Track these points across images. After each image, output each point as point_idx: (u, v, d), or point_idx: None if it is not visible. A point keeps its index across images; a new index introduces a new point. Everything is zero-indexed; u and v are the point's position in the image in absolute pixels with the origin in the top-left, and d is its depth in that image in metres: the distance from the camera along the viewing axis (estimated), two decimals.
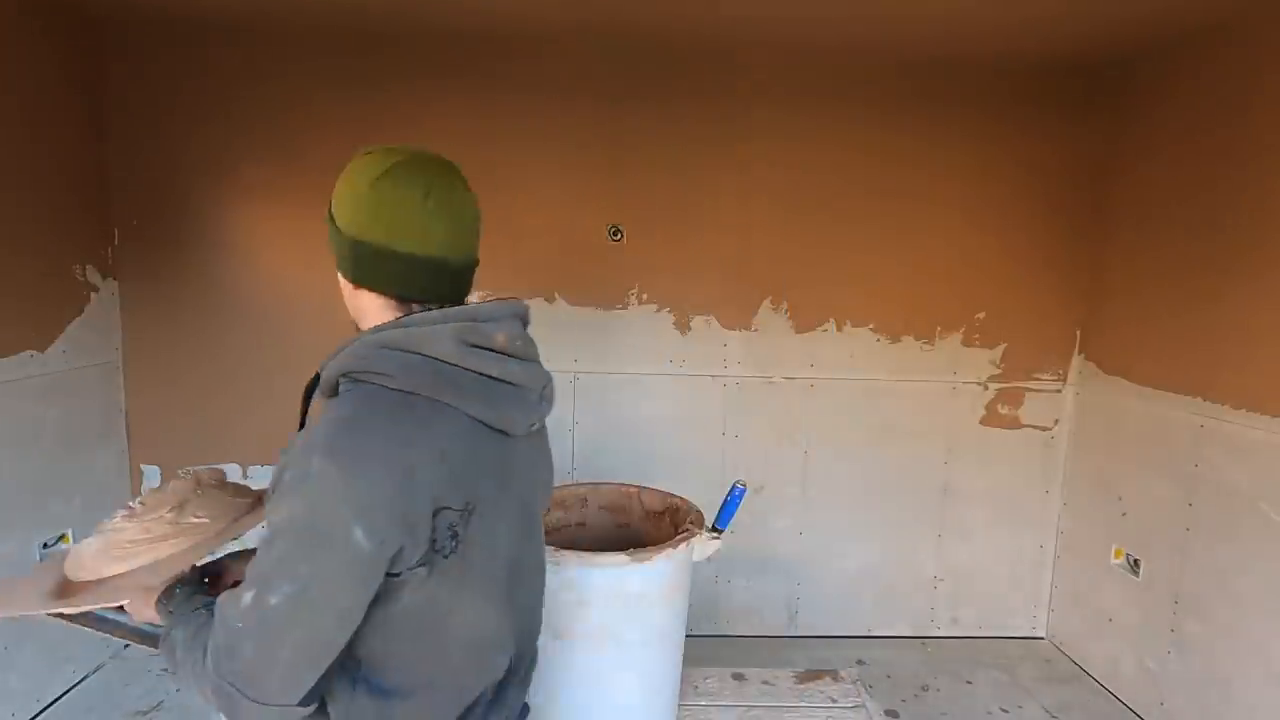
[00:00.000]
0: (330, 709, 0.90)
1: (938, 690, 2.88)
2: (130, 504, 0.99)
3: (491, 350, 0.94)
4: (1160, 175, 2.73)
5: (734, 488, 2.01)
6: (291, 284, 2.93)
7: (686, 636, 2.05)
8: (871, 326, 3.10)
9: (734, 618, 3.24)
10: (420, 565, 0.85)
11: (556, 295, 3.01)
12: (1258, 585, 2.27)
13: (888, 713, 2.66)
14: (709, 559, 2.02)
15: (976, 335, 3.13)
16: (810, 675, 2.31)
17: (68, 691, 2.66)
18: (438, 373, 0.89)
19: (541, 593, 1.15)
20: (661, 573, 1.84)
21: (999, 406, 3.17)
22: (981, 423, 3.18)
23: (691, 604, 2.05)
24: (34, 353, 2.47)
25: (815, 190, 2.99)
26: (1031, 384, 3.17)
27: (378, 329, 0.93)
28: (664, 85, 2.90)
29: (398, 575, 0.84)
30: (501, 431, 0.95)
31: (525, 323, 1.05)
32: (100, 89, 2.76)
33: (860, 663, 3.04)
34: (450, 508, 0.86)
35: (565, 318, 3.02)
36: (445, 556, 0.87)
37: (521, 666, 1.07)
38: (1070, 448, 3.18)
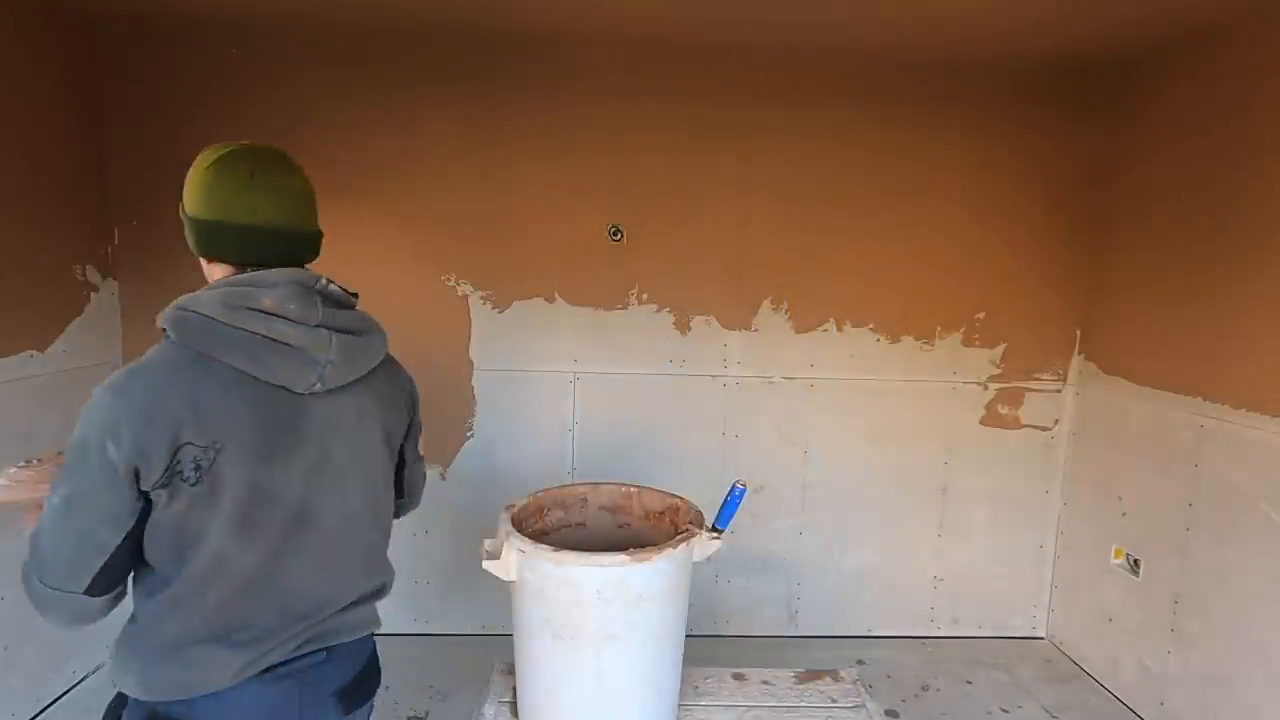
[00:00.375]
0: (134, 606, 1.13)
1: (938, 690, 2.88)
2: (26, 460, 1.21)
3: (260, 311, 1.05)
4: (1160, 174, 2.73)
5: (734, 488, 2.01)
6: None
7: (686, 636, 2.05)
8: (871, 326, 3.10)
9: (734, 618, 3.24)
10: (161, 487, 1.01)
11: (556, 295, 3.01)
12: (1258, 585, 2.27)
13: (888, 713, 2.66)
14: (709, 559, 2.02)
15: (976, 335, 3.13)
16: (810, 675, 2.31)
17: (68, 691, 2.66)
18: (210, 330, 1.03)
19: (360, 543, 1.24)
20: (661, 573, 1.84)
21: (999, 406, 3.17)
22: (981, 423, 3.18)
23: (691, 604, 2.05)
24: (34, 353, 2.47)
25: (816, 190, 2.99)
26: (1031, 384, 3.17)
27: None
28: (664, 85, 2.90)
29: (147, 493, 1.02)
30: (283, 388, 1.07)
31: (317, 291, 1.12)
32: (100, 89, 2.76)
33: (860, 663, 3.04)
34: (193, 444, 1.01)
35: (565, 318, 3.02)
36: (190, 485, 1.02)
37: (310, 608, 1.16)
38: (1070, 448, 3.18)
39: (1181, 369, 2.59)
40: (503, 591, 1.98)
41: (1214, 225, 2.47)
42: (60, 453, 1.13)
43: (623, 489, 2.30)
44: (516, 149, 2.91)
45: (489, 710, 2.10)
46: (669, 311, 3.05)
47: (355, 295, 1.22)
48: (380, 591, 1.32)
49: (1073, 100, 2.99)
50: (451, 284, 2.98)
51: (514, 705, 2.10)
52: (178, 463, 1.01)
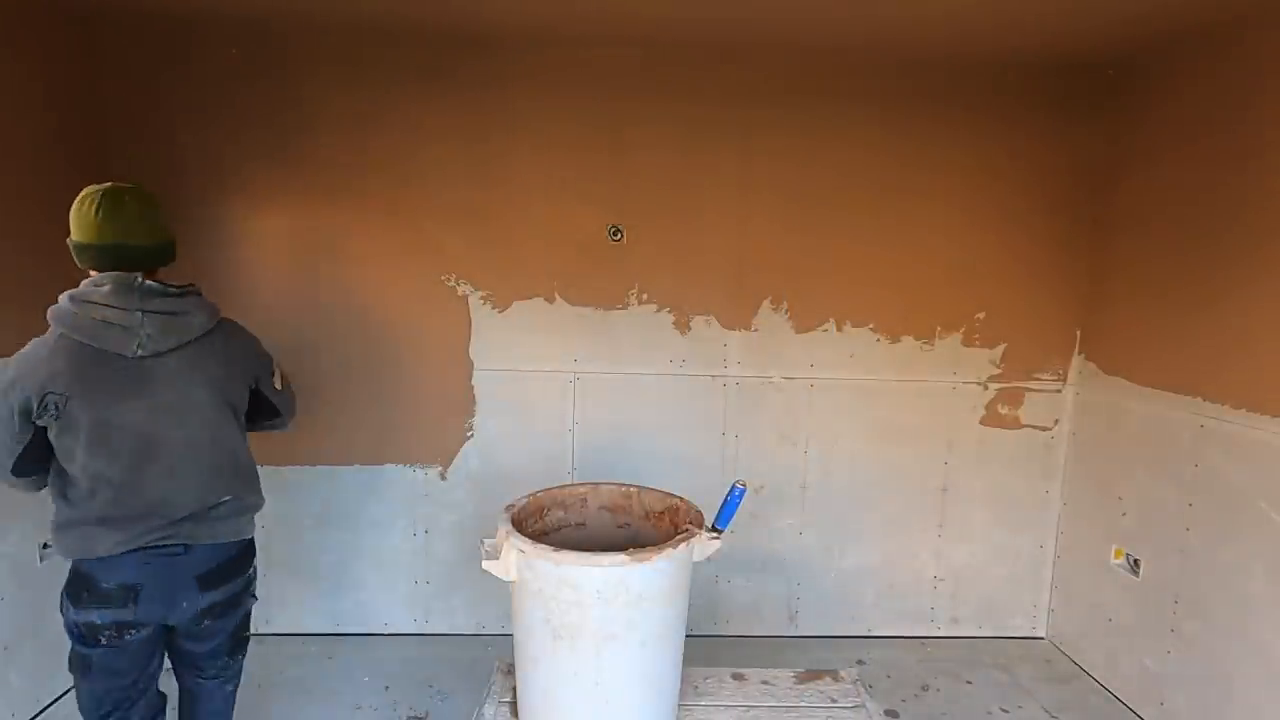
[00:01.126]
0: (52, 500, 1.73)
1: (938, 690, 2.88)
2: None
3: (94, 303, 1.63)
4: (1161, 175, 2.73)
5: (734, 488, 2.01)
6: (291, 283, 2.93)
7: (686, 636, 2.05)
8: (871, 326, 3.10)
9: (734, 618, 3.24)
10: (42, 421, 1.63)
11: (556, 295, 3.01)
12: (1258, 585, 2.27)
13: (888, 713, 2.66)
14: (709, 559, 2.02)
15: (976, 335, 3.13)
16: (810, 675, 2.31)
17: (68, 691, 2.66)
18: (65, 317, 1.63)
19: (205, 462, 1.77)
20: (661, 573, 1.84)
21: (999, 406, 3.17)
22: (981, 423, 3.18)
23: (691, 604, 2.05)
24: None
25: (816, 190, 2.99)
26: (1031, 384, 3.17)
27: None
28: (664, 85, 2.90)
29: (38, 422, 1.63)
30: (118, 354, 1.64)
31: (135, 287, 1.66)
32: (99, 88, 2.76)
33: (860, 663, 3.05)
34: (54, 393, 1.60)
35: (565, 318, 3.02)
36: (55, 419, 1.62)
37: (166, 506, 1.72)
38: (1070, 448, 3.18)
39: (1181, 369, 2.59)
40: (503, 591, 1.98)
41: (1215, 225, 2.47)
42: None
43: (623, 489, 2.31)
44: (516, 148, 2.91)
45: (489, 710, 2.10)
46: (669, 311, 3.05)
47: (187, 286, 1.76)
48: (231, 505, 1.83)
49: (1074, 100, 2.99)
50: (451, 284, 2.98)
51: (514, 705, 2.10)
52: (45, 405, 1.61)
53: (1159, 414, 2.69)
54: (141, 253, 1.70)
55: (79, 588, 1.71)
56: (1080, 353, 3.15)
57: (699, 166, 2.95)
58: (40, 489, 1.76)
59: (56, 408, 1.61)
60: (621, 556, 1.76)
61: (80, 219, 1.65)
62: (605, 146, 2.93)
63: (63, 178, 2.61)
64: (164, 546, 1.72)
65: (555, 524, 2.24)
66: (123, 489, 1.67)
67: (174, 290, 1.72)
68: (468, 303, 2.99)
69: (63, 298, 1.65)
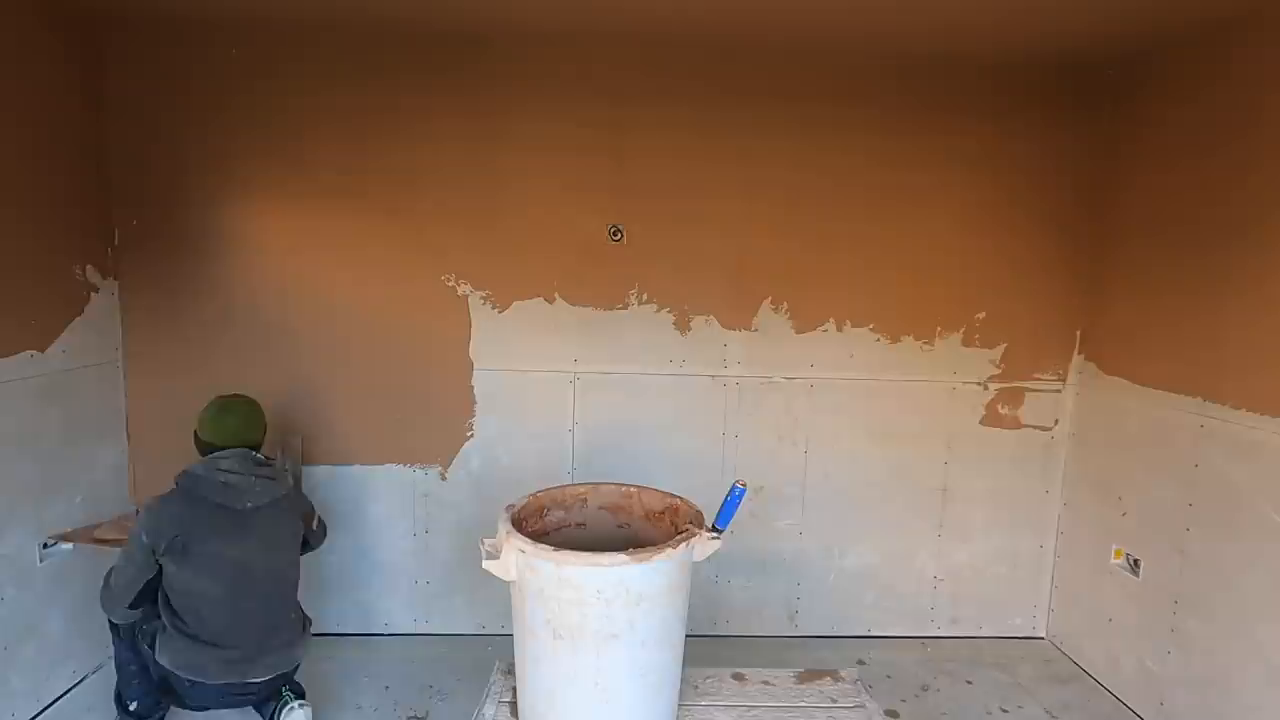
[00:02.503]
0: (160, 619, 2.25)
1: (938, 690, 2.88)
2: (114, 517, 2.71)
3: (220, 470, 2.23)
4: (1161, 174, 2.73)
5: (734, 488, 2.01)
6: (291, 284, 2.93)
7: (686, 636, 2.05)
8: (871, 326, 3.10)
9: (734, 618, 3.24)
10: (166, 555, 2.16)
11: (556, 295, 3.01)
12: (1258, 585, 2.27)
13: (888, 713, 2.66)
14: (709, 559, 2.02)
15: (976, 335, 3.13)
16: (810, 675, 2.31)
17: (68, 691, 2.66)
18: (195, 481, 2.22)
19: (279, 592, 2.36)
20: (661, 572, 1.84)
21: (999, 406, 3.17)
22: (981, 423, 3.18)
23: (691, 604, 2.05)
24: (34, 353, 2.47)
25: (816, 190, 2.99)
26: (1031, 384, 3.17)
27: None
28: (665, 85, 2.90)
29: (162, 557, 2.17)
30: (231, 507, 2.21)
31: (250, 459, 2.30)
32: (100, 88, 2.76)
33: (860, 663, 3.04)
34: (180, 535, 2.15)
35: (565, 317, 3.02)
36: (178, 555, 2.16)
37: (253, 619, 2.27)
38: (1070, 448, 3.18)
39: (1181, 369, 2.59)
40: (503, 591, 1.98)
41: (1215, 225, 2.47)
42: (126, 516, 2.72)
43: (623, 489, 2.31)
44: (517, 148, 2.91)
45: (489, 710, 2.10)
46: (669, 311, 3.05)
47: (274, 459, 2.56)
48: (295, 622, 2.41)
49: (1074, 100, 2.99)
50: (451, 284, 2.98)
51: (514, 705, 2.11)
52: (172, 545, 2.15)
53: (1159, 414, 2.69)
54: (251, 441, 2.36)
55: (167, 689, 2.31)
56: (1080, 353, 3.15)
57: (700, 166, 2.95)
58: (132, 619, 2.29)
59: (184, 547, 2.15)
60: (622, 556, 1.76)
61: (206, 423, 2.33)
62: (606, 146, 2.93)
63: (63, 178, 2.62)
64: (243, 685, 2.25)
65: (555, 524, 2.24)
66: (218, 605, 2.20)
67: (269, 462, 2.36)
68: (468, 303, 2.99)
69: (196, 467, 2.23)
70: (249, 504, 2.22)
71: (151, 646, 2.24)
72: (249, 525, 2.23)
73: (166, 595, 2.22)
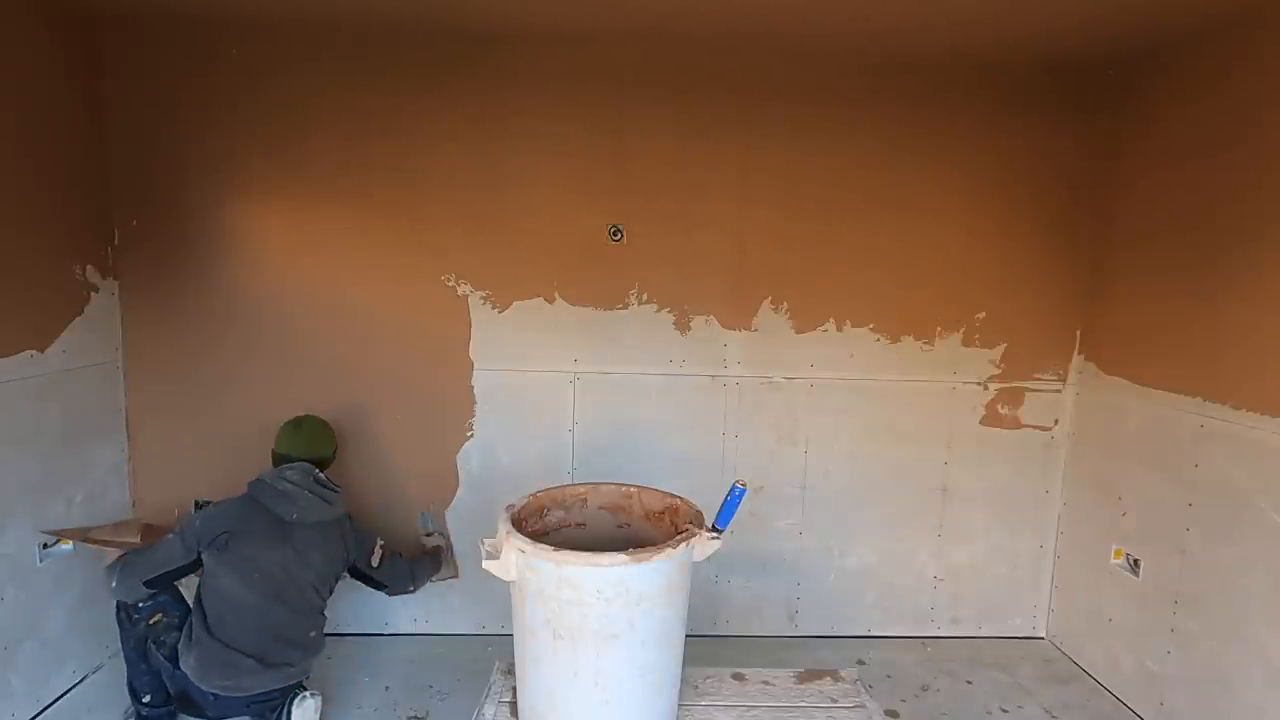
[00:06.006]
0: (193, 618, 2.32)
1: (938, 690, 2.88)
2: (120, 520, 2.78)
3: (283, 478, 2.40)
4: (1162, 174, 2.73)
5: (734, 488, 2.01)
6: (292, 284, 2.93)
7: (686, 636, 2.05)
8: (871, 326, 3.10)
9: (734, 618, 3.24)
10: (209, 549, 2.29)
11: (556, 295, 3.01)
12: (1258, 585, 2.27)
13: (888, 713, 2.66)
14: (709, 559, 2.02)
15: (976, 335, 3.13)
16: (810, 675, 2.31)
17: (68, 691, 2.66)
18: (258, 487, 2.39)
19: (305, 607, 2.41)
20: (661, 573, 1.84)
21: (999, 406, 3.17)
22: (981, 423, 3.18)
23: (691, 604, 2.05)
24: (34, 353, 2.47)
25: (816, 190, 2.99)
26: (1031, 384, 3.17)
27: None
28: (666, 84, 2.90)
29: (205, 549, 2.29)
30: (280, 516, 2.34)
31: (311, 476, 2.46)
32: (101, 87, 2.76)
33: (860, 663, 3.05)
34: (227, 531, 2.30)
35: (565, 317, 3.02)
36: (219, 551, 2.29)
37: (276, 630, 2.34)
38: (1070, 448, 3.18)
39: (1181, 369, 2.59)
40: (503, 591, 1.98)
41: (1216, 225, 2.47)
42: (141, 523, 2.70)
43: (623, 489, 2.31)
44: (517, 148, 2.91)
45: (489, 710, 2.10)
46: (669, 311, 3.05)
47: (338, 485, 2.53)
48: (306, 648, 2.44)
49: (1075, 100, 2.99)
50: (451, 284, 2.98)
51: (514, 705, 2.10)
52: (216, 541, 2.29)
53: (1159, 414, 2.69)
54: (319, 457, 2.58)
55: (185, 700, 2.34)
56: (1080, 353, 3.15)
57: (700, 166, 2.95)
58: (136, 597, 2.33)
59: (226, 543, 2.29)
60: (622, 556, 1.76)
61: (282, 437, 2.55)
62: (606, 146, 2.93)
63: (63, 178, 2.62)
64: (266, 694, 2.31)
65: (555, 524, 2.24)
66: (247, 612, 2.29)
67: (331, 485, 2.49)
68: (468, 303, 2.99)
69: (265, 473, 2.41)
70: (295, 516, 2.34)
71: (171, 660, 2.28)
72: (289, 536, 2.34)
73: (200, 596, 2.31)
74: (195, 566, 2.30)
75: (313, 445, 2.56)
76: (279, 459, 2.51)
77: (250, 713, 2.34)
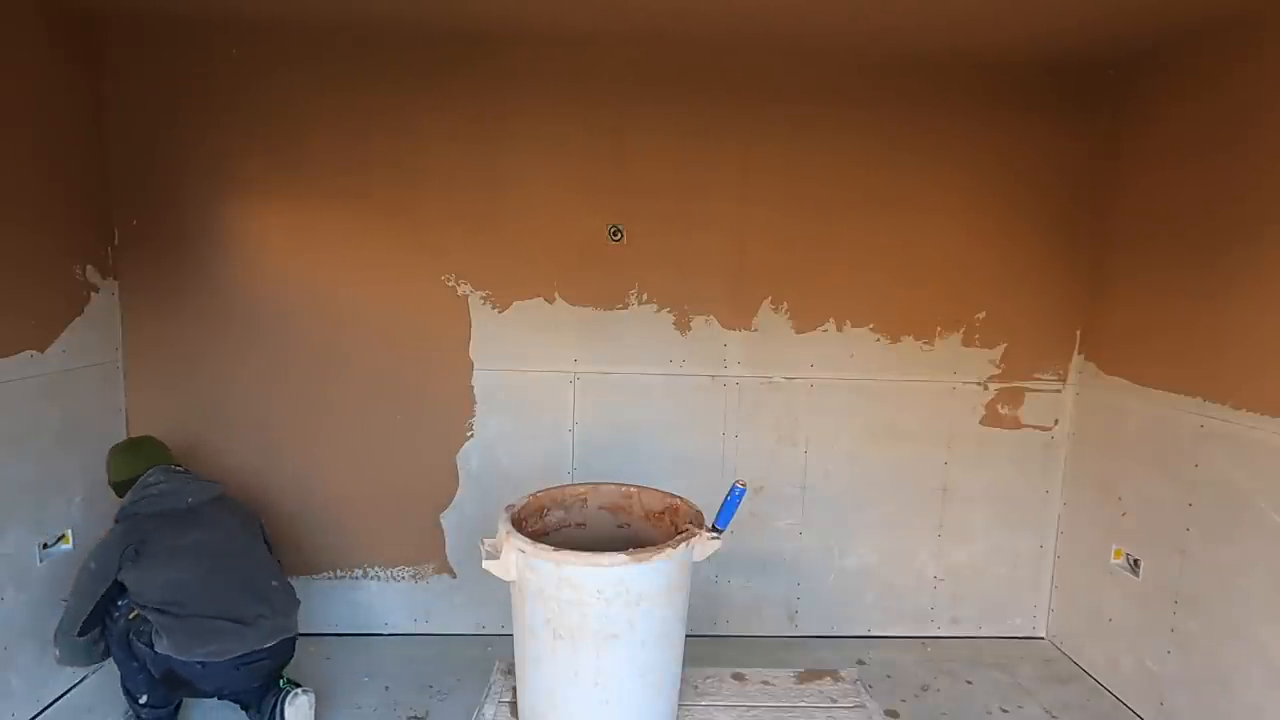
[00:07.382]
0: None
1: (938, 690, 2.88)
2: None
3: (149, 485, 2.41)
4: (1162, 174, 2.73)
5: (734, 488, 2.01)
6: (292, 284, 2.93)
7: (686, 636, 2.05)
8: (871, 326, 3.10)
9: (734, 618, 3.24)
10: (122, 570, 2.27)
11: (556, 295, 3.01)
12: (1258, 585, 2.27)
13: (888, 713, 2.66)
14: (709, 559, 2.02)
15: (976, 335, 3.13)
16: (810, 675, 2.31)
17: (68, 692, 2.66)
18: (133, 505, 2.39)
19: (253, 563, 2.45)
20: (661, 573, 1.84)
21: (999, 406, 3.17)
22: (981, 423, 3.18)
23: (691, 604, 2.05)
24: (34, 353, 2.47)
25: (816, 190, 2.99)
26: (1031, 384, 3.17)
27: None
28: (666, 84, 2.90)
29: (118, 574, 2.28)
30: (175, 507, 2.39)
31: (173, 469, 2.51)
32: (101, 87, 2.76)
33: (860, 663, 3.04)
34: (130, 545, 2.29)
35: (565, 317, 3.02)
36: (132, 561, 2.28)
37: (233, 589, 2.34)
38: (1070, 448, 3.18)
39: (1181, 369, 2.59)
40: (503, 591, 1.98)
41: (1216, 225, 2.47)
42: None
43: (623, 489, 2.31)
44: (517, 148, 2.90)
45: (489, 710, 2.10)
46: (669, 311, 3.05)
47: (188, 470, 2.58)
48: (283, 592, 2.46)
49: (1075, 100, 2.99)
50: (451, 284, 2.98)
51: (514, 705, 2.11)
52: (125, 555, 2.28)
53: (1159, 414, 2.69)
54: (167, 461, 2.59)
55: (173, 681, 2.29)
56: (1080, 353, 3.15)
57: (700, 166, 2.95)
58: (91, 661, 2.41)
59: (136, 553, 2.28)
60: (622, 556, 1.76)
61: (116, 461, 2.55)
62: (606, 146, 2.93)
63: (63, 178, 2.62)
64: (252, 654, 2.28)
65: (555, 524, 2.24)
66: (196, 586, 2.28)
67: (188, 471, 2.56)
68: (468, 303, 2.99)
69: (125, 502, 2.40)
70: (190, 500, 2.40)
71: (150, 645, 2.24)
72: (198, 517, 2.39)
73: (142, 604, 2.26)
74: (118, 590, 2.29)
75: (157, 456, 2.55)
76: (126, 484, 2.46)
77: (239, 678, 2.29)
